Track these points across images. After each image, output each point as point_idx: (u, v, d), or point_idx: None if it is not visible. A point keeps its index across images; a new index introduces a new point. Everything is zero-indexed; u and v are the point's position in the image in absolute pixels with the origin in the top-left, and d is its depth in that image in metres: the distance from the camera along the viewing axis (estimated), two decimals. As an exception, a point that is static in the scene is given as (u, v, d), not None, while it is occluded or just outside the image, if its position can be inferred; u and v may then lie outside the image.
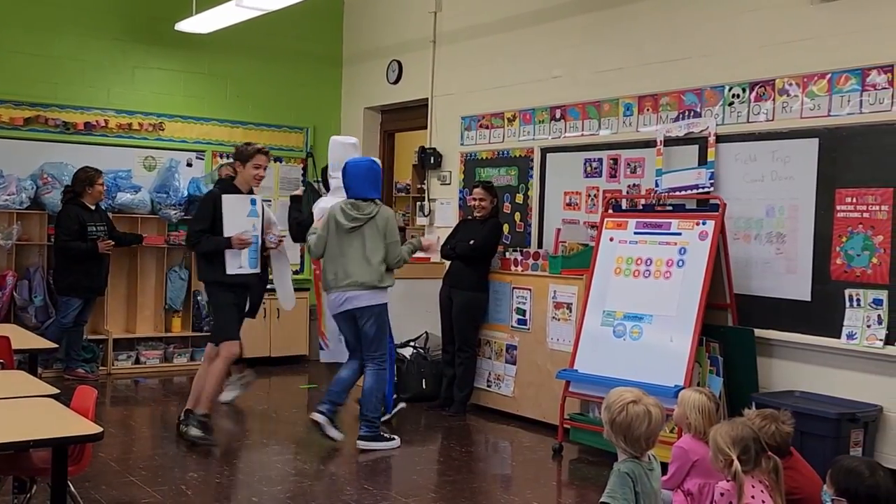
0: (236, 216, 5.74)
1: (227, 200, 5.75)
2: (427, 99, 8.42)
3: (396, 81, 8.82)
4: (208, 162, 8.73)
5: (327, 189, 6.85)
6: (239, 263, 5.74)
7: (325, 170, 6.90)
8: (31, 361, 4.85)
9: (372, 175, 5.85)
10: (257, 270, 5.90)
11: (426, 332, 7.41)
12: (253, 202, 5.86)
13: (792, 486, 3.84)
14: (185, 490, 4.77)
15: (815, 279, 5.31)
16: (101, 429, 3.15)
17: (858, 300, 5.09)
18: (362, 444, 5.73)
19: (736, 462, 3.66)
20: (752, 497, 3.69)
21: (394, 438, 5.85)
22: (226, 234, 5.69)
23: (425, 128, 8.49)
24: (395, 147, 9.64)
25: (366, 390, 5.80)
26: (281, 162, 9.19)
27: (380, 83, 8.97)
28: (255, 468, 5.33)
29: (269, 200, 6.33)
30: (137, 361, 8.11)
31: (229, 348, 5.76)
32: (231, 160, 6.32)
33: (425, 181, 8.59)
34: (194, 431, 5.61)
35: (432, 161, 8.29)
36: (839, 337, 5.14)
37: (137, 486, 4.81)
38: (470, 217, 7.06)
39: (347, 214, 5.74)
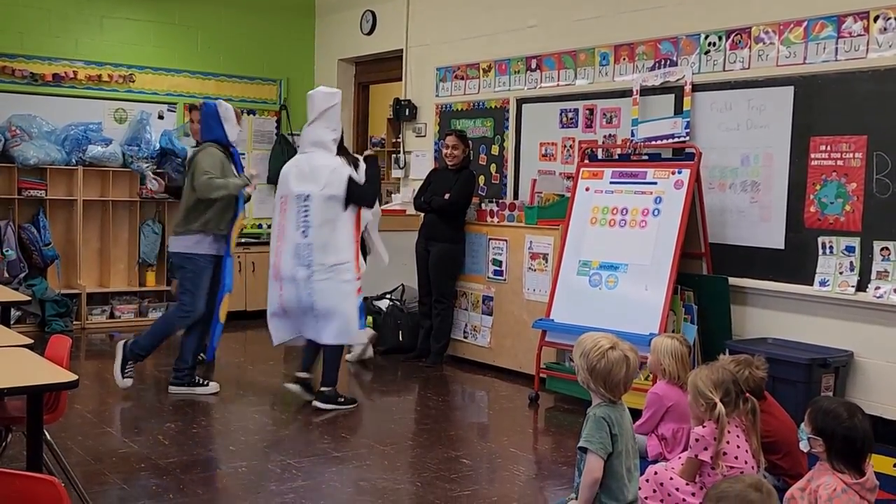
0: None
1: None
2: (402, 50, 8.33)
3: (370, 32, 8.71)
4: (180, 114, 8.61)
5: None
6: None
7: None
8: (3, 314, 4.79)
9: (203, 118, 5.88)
10: None
11: (402, 285, 7.41)
12: None
13: (766, 429, 3.91)
14: (163, 440, 4.77)
15: (789, 227, 5.35)
16: (75, 376, 3.12)
17: (831, 247, 5.14)
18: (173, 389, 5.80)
19: (719, 405, 3.70)
20: (728, 442, 3.76)
21: (206, 384, 5.84)
22: None
23: (400, 79, 8.41)
24: (369, 100, 9.55)
25: (159, 323, 5.95)
26: (254, 115, 9.08)
27: (353, 34, 8.87)
28: (232, 419, 5.33)
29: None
30: (112, 316, 8.06)
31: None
32: None
33: (400, 134, 8.53)
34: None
35: (407, 113, 8.23)
36: (812, 284, 5.20)
37: (114, 436, 4.81)
38: (442, 167, 7.03)
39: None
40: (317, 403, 5.54)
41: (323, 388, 5.58)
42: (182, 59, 8.67)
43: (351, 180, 5.46)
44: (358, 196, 5.49)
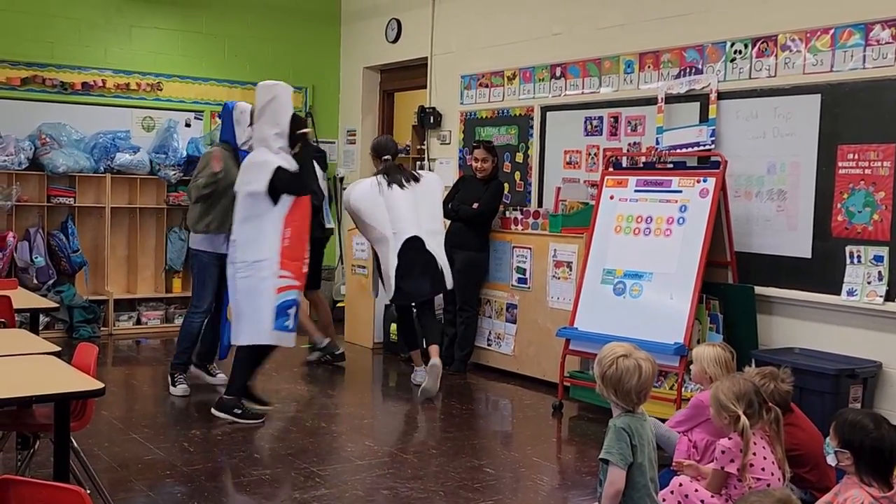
0: None
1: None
2: (426, 58, 8.35)
3: (395, 40, 8.74)
4: (207, 122, 8.68)
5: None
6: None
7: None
8: (32, 320, 4.86)
9: (224, 118, 5.98)
10: None
11: (426, 292, 7.39)
12: None
13: (793, 442, 3.87)
14: (188, 447, 4.80)
15: (816, 236, 5.30)
16: (102, 384, 3.15)
17: (859, 257, 5.09)
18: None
19: (743, 418, 3.67)
20: (754, 454, 3.72)
21: (177, 385, 5.91)
22: None
23: (425, 87, 8.43)
24: (394, 107, 9.58)
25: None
26: (280, 122, 9.12)
27: (379, 42, 8.90)
28: (257, 425, 5.35)
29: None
30: (139, 322, 8.13)
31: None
32: None
33: (425, 141, 8.55)
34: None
35: (432, 121, 8.24)
36: (839, 294, 5.14)
37: (140, 443, 4.85)
38: (470, 175, 7.03)
39: None
40: (213, 410, 5.37)
41: (224, 395, 5.42)
42: (209, 68, 8.74)
43: (279, 170, 5.17)
44: (284, 185, 5.18)
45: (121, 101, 8.26)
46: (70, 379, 3.25)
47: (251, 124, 5.57)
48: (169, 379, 5.94)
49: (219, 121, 8.44)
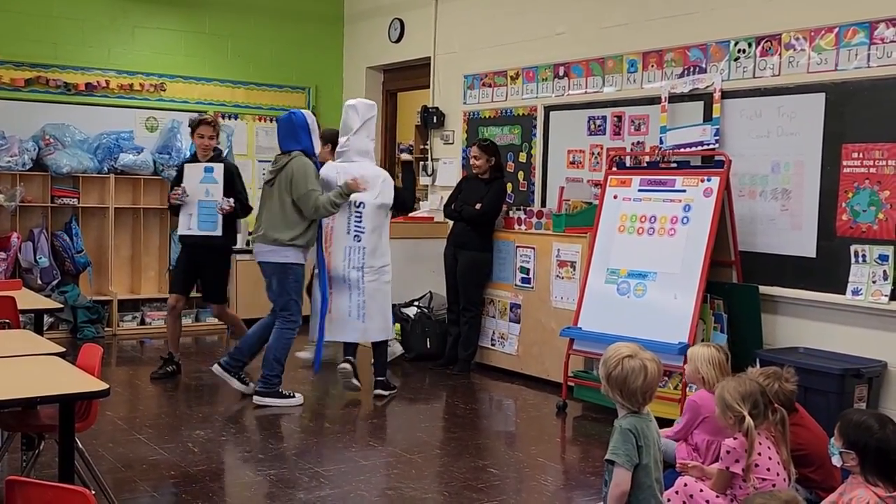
0: (190, 182, 6.22)
1: (187, 169, 6.31)
2: (429, 57, 8.34)
3: (398, 40, 8.74)
4: (210, 123, 8.67)
5: None
6: (188, 225, 6.21)
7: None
8: (36, 321, 4.86)
9: (290, 126, 5.81)
10: (208, 233, 6.16)
11: (430, 292, 7.41)
12: (208, 170, 6.23)
13: (798, 442, 3.86)
14: (192, 448, 4.80)
15: (821, 235, 5.29)
16: (107, 385, 3.15)
17: (864, 256, 5.07)
18: (258, 400, 5.73)
19: (748, 418, 3.66)
20: (759, 454, 3.72)
21: (294, 396, 5.81)
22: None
23: (428, 87, 8.43)
24: (397, 107, 9.58)
25: (267, 346, 5.80)
26: (283, 122, 9.12)
27: (381, 42, 8.90)
28: (261, 426, 5.36)
29: (212, 167, 6.14)
30: (142, 322, 8.13)
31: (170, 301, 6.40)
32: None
33: (428, 141, 8.55)
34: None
35: (435, 121, 8.24)
36: (844, 293, 5.13)
37: (144, 443, 4.85)
38: (473, 175, 7.03)
39: (269, 169, 6.03)
40: (378, 391, 6.04)
41: (379, 378, 6.08)
42: (212, 68, 8.74)
43: (396, 188, 6.08)
44: (401, 202, 6.11)
45: (124, 101, 8.27)
46: (74, 380, 3.25)
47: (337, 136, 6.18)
48: (274, 398, 5.74)
49: (229, 122, 8.56)
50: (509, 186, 7.23)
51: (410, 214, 7.45)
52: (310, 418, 5.58)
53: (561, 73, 6.98)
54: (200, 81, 8.68)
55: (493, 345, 6.94)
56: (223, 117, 8.62)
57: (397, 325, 7.31)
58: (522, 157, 7.33)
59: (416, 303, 7.38)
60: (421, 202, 8.43)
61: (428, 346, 7.20)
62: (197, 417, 5.44)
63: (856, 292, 5.09)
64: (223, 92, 8.79)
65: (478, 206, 6.75)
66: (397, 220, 8.01)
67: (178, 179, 6.33)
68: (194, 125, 6.37)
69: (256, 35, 8.95)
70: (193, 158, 6.41)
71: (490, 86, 7.67)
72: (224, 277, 6.53)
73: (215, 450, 4.82)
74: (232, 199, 6.16)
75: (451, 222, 7.06)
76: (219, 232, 6.19)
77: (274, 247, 5.69)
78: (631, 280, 5.66)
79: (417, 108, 8.69)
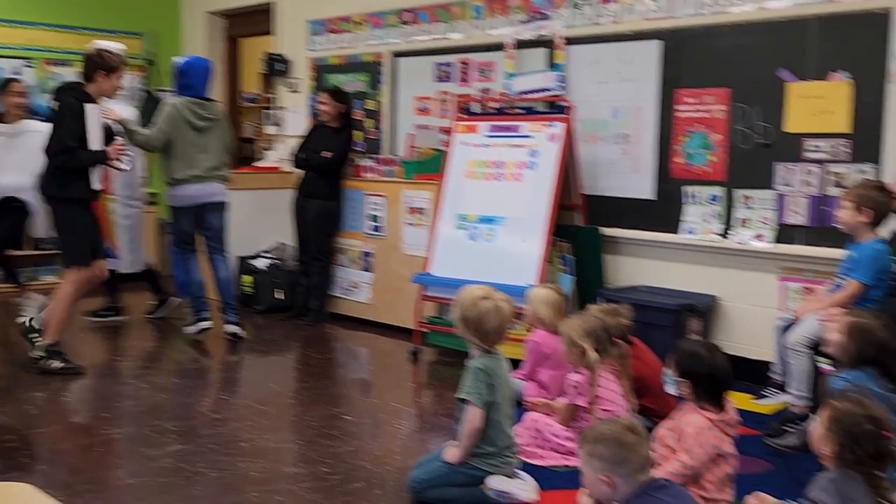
0: (95, 128, 5.32)
1: (90, 110, 5.28)
2: (272, 3, 8.10)
3: (239, -16, 8.44)
4: (38, 71, 8.16)
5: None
6: (97, 179, 5.41)
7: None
8: None
9: (210, 75, 6.25)
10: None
11: (280, 243, 7.30)
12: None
13: (634, 374, 4.06)
14: (31, 410, 4.58)
15: (659, 178, 5.51)
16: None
17: (697, 197, 5.33)
18: (241, 331, 6.17)
19: (590, 352, 3.81)
20: (602, 387, 3.88)
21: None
22: (92, 147, 5.27)
23: (271, 33, 8.20)
24: (240, 55, 9.29)
25: (227, 279, 6.28)
26: (118, 70, 8.68)
27: (222, -15, 8.57)
28: (105, 385, 5.16)
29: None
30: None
31: (86, 272, 5.37)
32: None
33: (273, 90, 8.34)
34: (54, 364, 5.25)
35: (280, 68, 8.04)
36: (680, 232, 5.38)
37: (-23, 409, 4.59)
38: (321, 123, 6.92)
39: (198, 114, 6.02)
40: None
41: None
42: (38, 12, 8.20)
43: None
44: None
45: (-61, 46, 7.67)
46: None
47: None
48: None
49: (52, 69, 8.05)
50: (359, 135, 7.16)
51: (254, 164, 7.35)
52: (157, 375, 5.41)
53: (407, 18, 6.93)
54: (25, 25, 8.13)
55: (345, 294, 6.91)
56: (55, 65, 8.12)
57: (248, 277, 7.19)
58: (371, 105, 7.26)
59: (265, 254, 7.25)
60: (267, 152, 8.26)
61: (279, 297, 7.10)
62: (34, 379, 5.16)
63: (690, 231, 5.35)
64: (51, 37, 8.26)
65: (326, 154, 6.66)
66: (243, 169, 7.87)
67: (81, 124, 5.23)
68: (117, 64, 5.45)
69: (86, -24, 8.45)
70: (82, 98, 5.33)
71: (336, 32, 7.53)
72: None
73: (56, 411, 4.62)
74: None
75: (299, 171, 6.94)
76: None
77: (224, 186, 6.21)
78: (481, 225, 5.74)
79: (261, 55, 8.45)
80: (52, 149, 5.22)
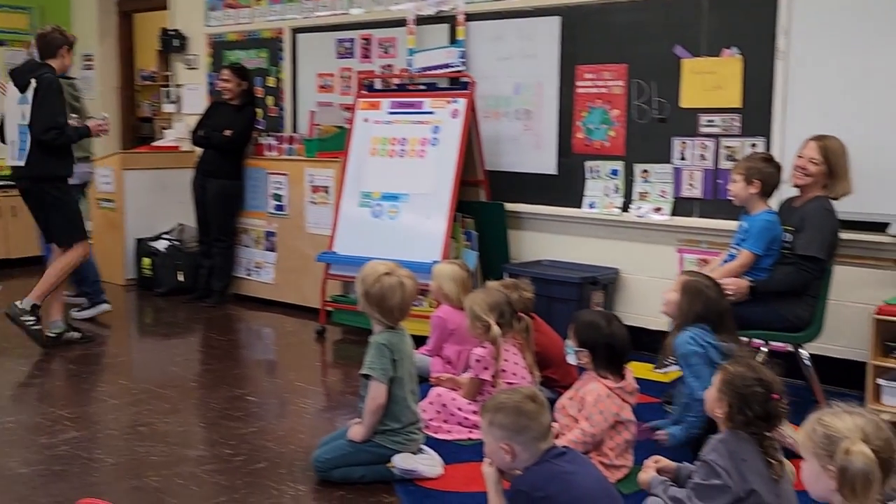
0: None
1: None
2: (166, -24, 7.88)
3: (132, -44, 8.16)
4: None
5: None
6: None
7: None
8: None
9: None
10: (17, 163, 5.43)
11: (180, 224, 7.13)
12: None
13: (536, 347, 4.11)
14: (-85, 402, 4.37)
15: (560, 153, 5.57)
16: None
17: (598, 171, 5.41)
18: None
19: (494, 327, 3.84)
20: (506, 360, 3.91)
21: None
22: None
23: (166, 8, 7.96)
24: (135, 31, 9.00)
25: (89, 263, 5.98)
26: (4, 46, 8.33)
27: (114, -42, 8.27)
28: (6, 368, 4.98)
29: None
30: None
31: (86, 245, 5.62)
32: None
33: (171, 67, 8.11)
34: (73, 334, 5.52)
35: (177, 45, 7.81)
36: (581, 207, 5.46)
37: None
38: (221, 101, 6.77)
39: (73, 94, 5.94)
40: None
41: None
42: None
43: None
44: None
45: None
46: None
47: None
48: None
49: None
50: (259, 112, 7.03)
51: (153, 144, 7.12)
52: (46, 359, 5.22)
53: (307, -6, 6.82)
54: None
55: (248, 275, 6.80)
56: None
57: (147, 260, 7.01)
58: (271, 82, 7.13)
59: (165, 236, 7.07)
60: (165, 130, 8.04)
61: (180, 279, 6.94)
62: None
63: (592, 206, 5.43)
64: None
65: (227, 132, 6.52)
66: (140, 149, 7.65)
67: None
68: (72, 41, 5.57)
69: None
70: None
71: (233, 7, 7.36)
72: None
73: (-58, 402, 4.41)
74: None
75: (198, 150, 6.77)
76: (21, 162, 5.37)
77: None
78: (384, 202, 5.71)
79: (157, 31, 8.19)
80: (42, 125, 5.21)
